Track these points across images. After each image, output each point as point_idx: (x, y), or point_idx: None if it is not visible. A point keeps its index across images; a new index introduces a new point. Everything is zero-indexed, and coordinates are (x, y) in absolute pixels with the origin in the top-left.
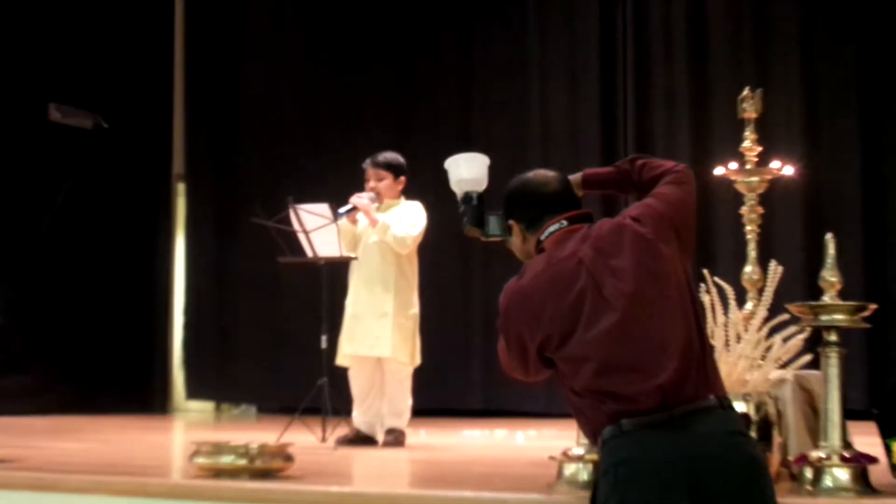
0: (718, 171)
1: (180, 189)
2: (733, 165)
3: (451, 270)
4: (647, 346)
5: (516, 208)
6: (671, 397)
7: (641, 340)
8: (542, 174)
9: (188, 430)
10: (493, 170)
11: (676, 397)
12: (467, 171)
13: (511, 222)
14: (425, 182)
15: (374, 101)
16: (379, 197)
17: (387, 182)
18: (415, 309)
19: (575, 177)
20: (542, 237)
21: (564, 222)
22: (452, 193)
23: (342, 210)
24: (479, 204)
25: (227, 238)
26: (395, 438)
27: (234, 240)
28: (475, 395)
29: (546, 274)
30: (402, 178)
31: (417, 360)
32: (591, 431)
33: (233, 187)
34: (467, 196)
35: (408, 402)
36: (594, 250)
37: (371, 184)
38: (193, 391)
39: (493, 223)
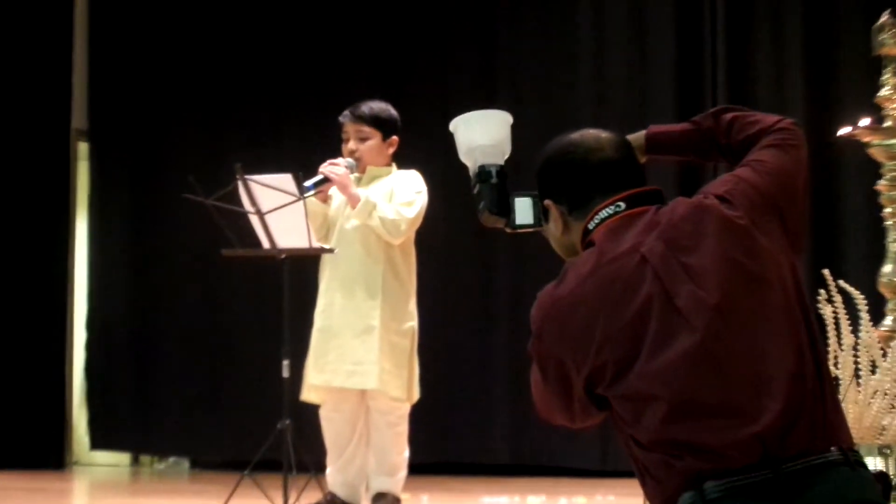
0: (844, 130)
1: (82, 150)
2: (865, 122)
3: (465, 268)
4: (739, 379)
5: (555, 183)
6: (775, 450)
7: (732, 370)
8: (592, 136)
9: (94, 496)
10: (520, 134)
11: (783, 450)
12: (483, 134)
13: (547, 203)
14: (428, 145)
15: (356, 32)
16: (360, 164)
17: (372, 143)
18: (412, 322)
19: (636, 137)
20: (591, 225)
21: (622, 204)
22: (463, 164)
23: (309, 183)
24: (501, 181)
25: (149, 220)
26: None
27: (157, 223)
28: (499, 444)
29: (595, 278)
30: (394, 139)
31: (416, 395)
32: (663, 500)
33: (156, 149)
34: (483, 171)
35: (404, 454)
36: (664, 244)
37: (350, 145)
38: (101, 438)
39: (522, 207)
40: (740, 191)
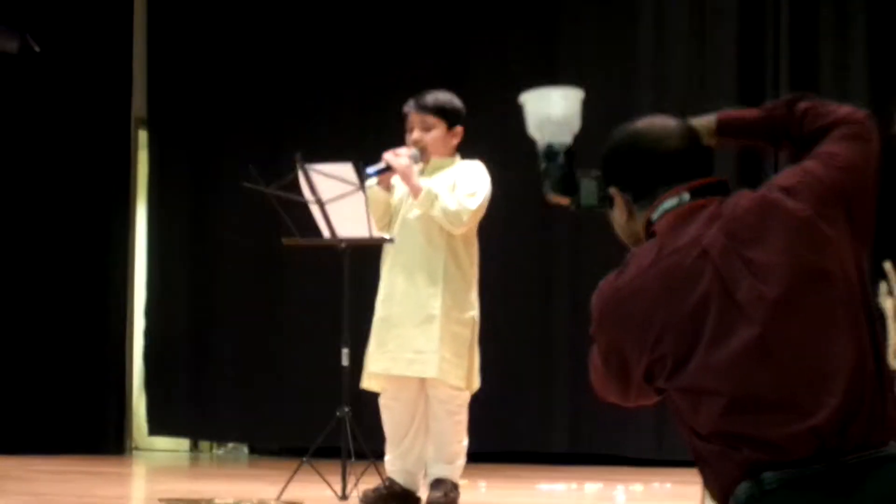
0: None
1: (142, 139)
2: None
3: (526, 257)
4: (798, 374)
5: (620, 172)
6: (832, 444)
7: (791, 365)
8: (660, 125)
9: (153, 480)
10: (586, 116)
11: (840, 444)
12: (556, 109)
13: (613, 191)
14: (490, 135)
15: (417, 19)
16: (424, 154)
17: (436, 133)
18: (473, 311)
19: (705, 121)
20: (654, 216)
21: (686, 195)
22: (526, 151)
23: (371, 170)
24: (569, 160)
25: (208, 209)
26: (445, 495)
27: (216, 212)
28: (558, 432)
29: (656, 269)
30: (459, 129)
31: (476, 384)
32: (721, 488)
33: (215, 137)
34: (551, 150)
35: (463, 442)
36: (726, 236)
37: (415, 135)
38: (160, 424)
39: (589, 188)
40: (807, 183)
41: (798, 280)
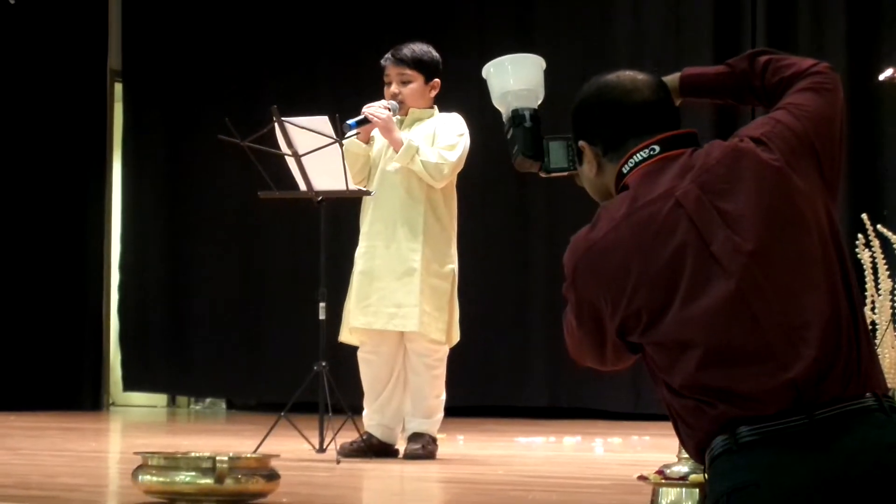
0: (885, 74)
1: (118, 91)
2: None
3: (503, 211)
4: (775, 326)
5: (589, 124)
6: (809, 396)
7: (767, 317)
8: (629, 77)
9: (129, 435)
10: (556, 76)
11: (817, 397)
12: (516, 79)
13: (582, 145)
14: (467, 88)
15: None
16: (403, 107)
17: (415, 86)
18: (452, 265)
19: (671, 79)
20: (626, 168)
21: (656, 147)
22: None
23: (351, 122)
24: (535, 125)
25: (184, 162)
26: (423, 447)
27: (192, 165)
28: (535, 387)
29: (629, 222)
30: (436, 81)
31: (455, 338)
32: (695, 443)
33: (191, 90)
34: (517, 115)
35: (441, 396)
36: (699, 187)
37: (393, 88)
38: (135, 380)
39: (557, 151)
40: (777, 133)
41: (772, 231)
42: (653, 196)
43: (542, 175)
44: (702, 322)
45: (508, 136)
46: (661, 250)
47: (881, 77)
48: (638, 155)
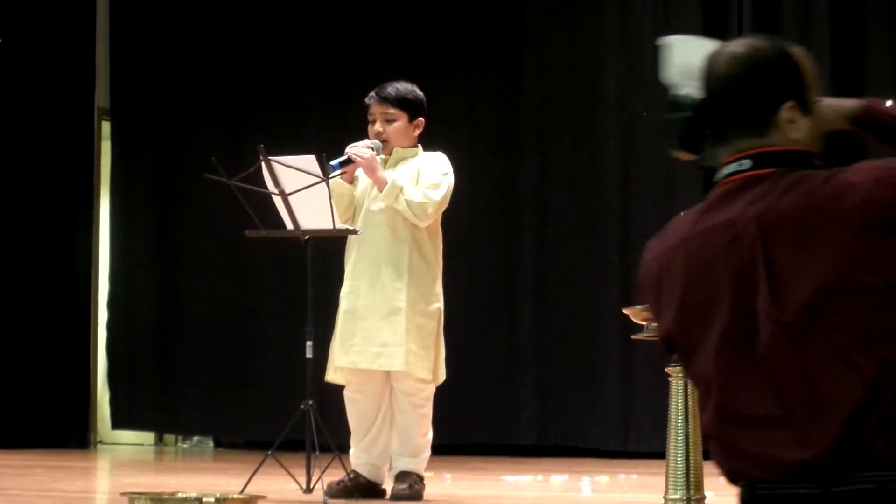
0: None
1: (105, 130)
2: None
3: (490, 250)
4: (798, 398)
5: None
6: (825, 472)
7: (792, 388)
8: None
9: (117, 473)
10: (543, 117)
11: (833, 472)
12: (698, 56)
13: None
14: (453, 126)
15: (380, 12)
16: (387, 146)
17: (399, 125)
18: (438, 304)
19: (850, 104)
20: (718, 176)
21: (747, 163)
22: (489, 141)
23: (335, 162)
24: (696, 116)
25: (172, 201)
26: (410, 487)
27: (180, 204)
28: (523, 425)
29: (683, 250)
30: (420, 120)
31: (442, 376)
32: (725, 477)
33: (179, 129)
34: (681, 101)
35: (427, 435)
36: (761, 228)
37: (377, 126)
38: (123, 418)
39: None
40: (869, 190)
41: (820, 298)
42: (716, 222)
43: (699, 168)
44: (724, 375)
45: (670, 121)
46: (704, 287)
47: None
48: (728, 167)
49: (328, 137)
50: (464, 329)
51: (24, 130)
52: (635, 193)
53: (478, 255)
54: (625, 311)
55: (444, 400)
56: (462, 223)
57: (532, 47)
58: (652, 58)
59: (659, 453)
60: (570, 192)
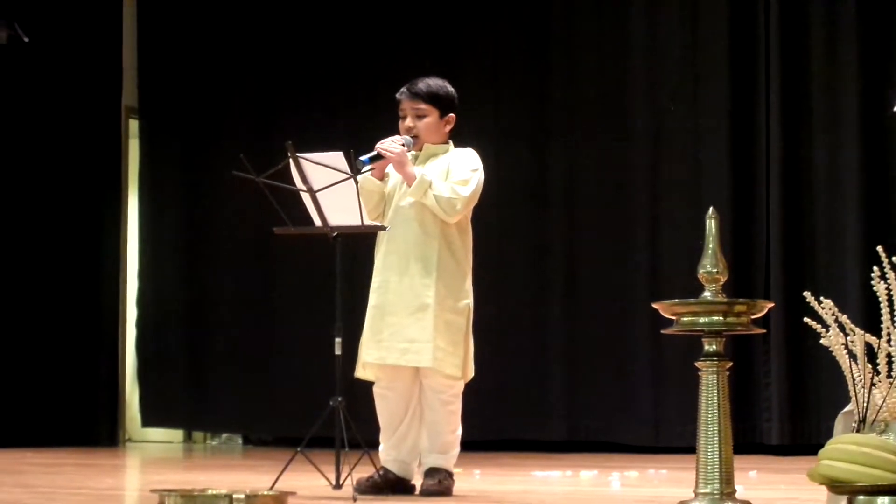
0: None
1: (133, 128)
2: None
3: (520, 245)
4: None
5: None
6: None
7: None
8: None
9: (146, 471)
10: (572, 107)
11: None
12: None
13: None
14: (482, 122)
15: (410, 8)
16: (417, 141)
17: (429, 120)
18: (468, 300)
19: None
20: None
21: None
22: (518, 136)
23: (364, 158)
24: None
25: (200, 198)
26: (439, 483)
27: (208, 201)
28: (554, 421)
29: None
30: (451, 116)
31: (471, 373)
32: None
33: (206, 126)
34: None
35: (457, 431)
36: None
37: (407, 122)
38: (153, 416)
39: None
40: None
41: None
42: None
43: None
44: None
45: None
46: None
47: (895, 109)
48: None
49: (357, 134)
50: (493, 325)
51: (51, 128)
52: (664, 188)
53: (507, 250)
54: (654, 305)
55: (474, 396)
56: (491, 218)
57: (559, 43)
58: (679, 53)
59: (689, 448)
60: (599, 187)
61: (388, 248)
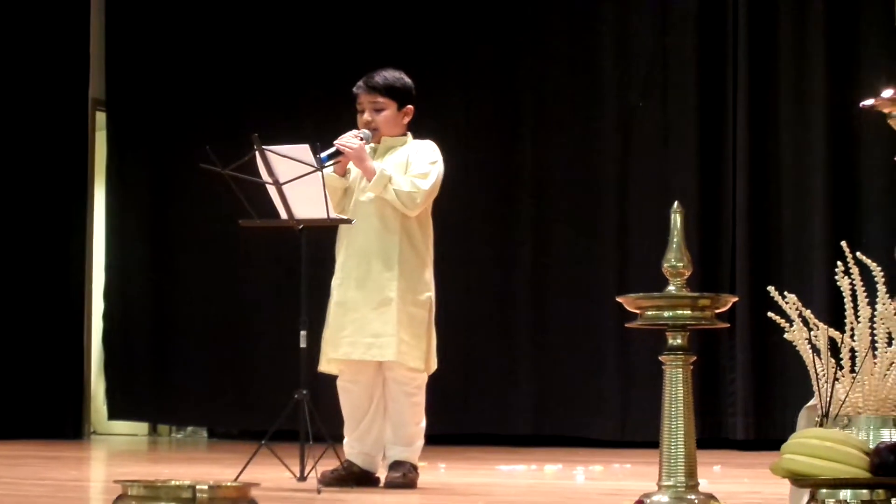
0: (866, 102)
1: (100, 120)
2: (888, 93)
3: (485, 238)
4: None
5: None
6: None
7: None
8: None
9: (111, 463)
10: (539, 106)
11: None
12: None
13: None
14: (443, 113)
15: (374, 1)
16: (376, 134)
17: (388, 113)
18: (429, 293)
19: None
20: None
21: None
22: (483, 128)
23: (323, 155)
24: None
25: (166, 191)
26: (403, 476)
27: (175, 193)
28: (519, 415)
29: None
30: (409, 108)
31: (434, 366)
32: None
33: (173, 119)
34: None
35: (421, 424)
36: None
37: (366, 116)
38: (118, 409)
39: None
40: None
41: None
42: None
43: None
44: None
45: None
46: None
47: (861, 104)
48: None
49: (323, 127)
50: (460, 319)
51: (16, 120)
52: (632, 183)
53: (474, 244)
54: (619, 299)
55: (440, 390)
56: (459, 213)
57: (529, 36)
58: (649, 50)
59: (655, 443)
60: (567, 182)
61: (349, 245)
